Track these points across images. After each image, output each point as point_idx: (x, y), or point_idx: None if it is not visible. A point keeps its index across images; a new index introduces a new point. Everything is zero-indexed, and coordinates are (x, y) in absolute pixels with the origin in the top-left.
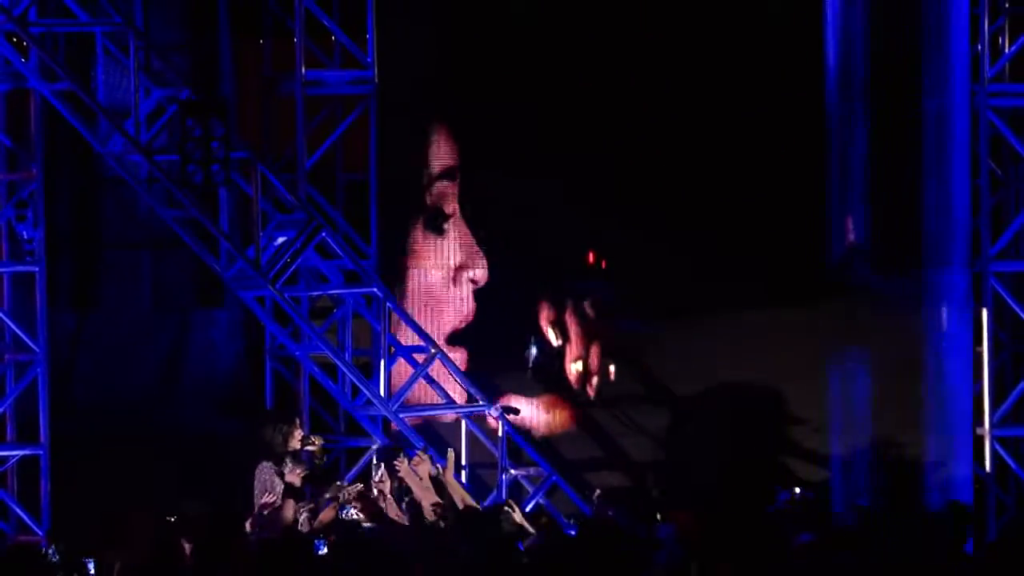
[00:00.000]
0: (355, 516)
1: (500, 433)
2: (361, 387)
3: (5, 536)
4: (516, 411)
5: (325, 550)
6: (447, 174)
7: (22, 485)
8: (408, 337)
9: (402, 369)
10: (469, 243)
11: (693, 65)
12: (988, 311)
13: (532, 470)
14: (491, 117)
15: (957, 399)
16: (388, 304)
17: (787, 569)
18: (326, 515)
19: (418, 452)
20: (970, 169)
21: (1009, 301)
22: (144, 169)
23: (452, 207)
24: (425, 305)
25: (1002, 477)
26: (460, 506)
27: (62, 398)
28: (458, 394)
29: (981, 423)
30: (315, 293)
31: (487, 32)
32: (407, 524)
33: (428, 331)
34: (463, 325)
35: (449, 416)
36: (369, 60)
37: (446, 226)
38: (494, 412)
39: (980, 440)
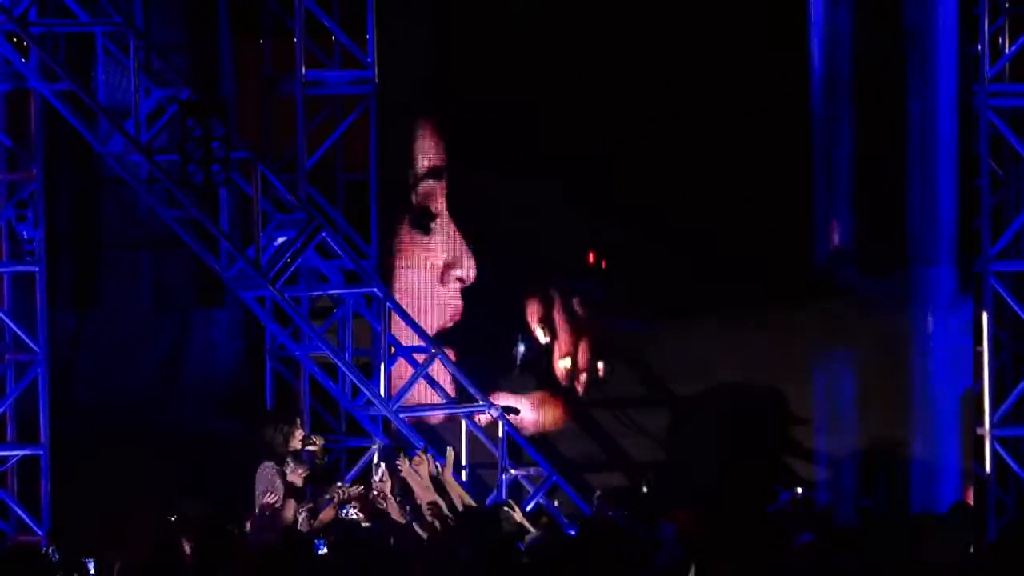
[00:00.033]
0: (355, 516)
1: (500, 433)
2: (361, 387)
3: (5, 536)
4: (516, 411)
5: (325, 550)
6: (447, 174)
7: (22, 485)
8: (408, 337)
9: (402, 369)
10: (460, 243)
11: (690, 65)
12: (988, 311)
13: (532, 470)
14: (491, 117)
15: (944, 398)
16: (388, 304)
17: (787, 569)
18: (326, 515)
19: (418, 452)
20: (957, 169)
21: (1009, 301)
22: (144, 169)
23: (451, 206)
24: (425, 305)
25: (1002, 477)
26: (459, 506)
27: (62, 398)
28: (458, 394)
29: (981, 423)
30: (315, 293)
31: (487, 32)
32: (408, 524)
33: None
34: (451, 324)
35: (440, 416)
36: (369, 60)
37: (433, 225)
38: (494, 412)
39: (980, 440)
